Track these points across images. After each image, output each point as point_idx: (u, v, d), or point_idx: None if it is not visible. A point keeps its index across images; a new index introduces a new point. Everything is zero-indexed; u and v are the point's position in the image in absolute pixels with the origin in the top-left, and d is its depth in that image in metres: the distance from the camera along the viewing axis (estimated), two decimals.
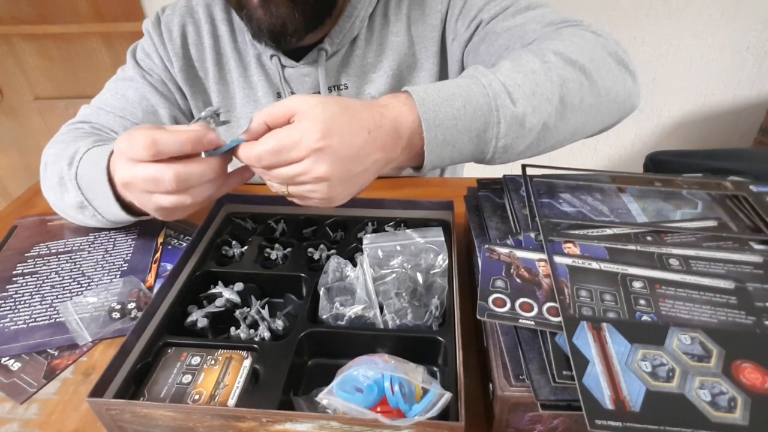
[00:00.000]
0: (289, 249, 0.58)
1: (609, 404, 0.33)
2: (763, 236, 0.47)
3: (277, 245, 0.58)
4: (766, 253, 0.45)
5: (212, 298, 0.52)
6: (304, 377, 0.46)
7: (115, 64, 1.26)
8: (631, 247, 0.46)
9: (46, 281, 0.59)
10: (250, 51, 0.74)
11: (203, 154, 0.45)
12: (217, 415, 0.38)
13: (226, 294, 0.52)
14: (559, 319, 0.39)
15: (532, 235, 0.48)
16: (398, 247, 0.52)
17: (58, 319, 0.54)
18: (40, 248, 0.65)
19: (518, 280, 0.43)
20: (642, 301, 0.40)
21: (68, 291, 0.58)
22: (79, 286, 0.59)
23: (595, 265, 0.44)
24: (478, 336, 0.48)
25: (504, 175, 0.58)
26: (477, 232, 0.53)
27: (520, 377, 0.38)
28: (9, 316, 0.55)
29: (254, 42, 0.72)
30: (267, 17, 0.61)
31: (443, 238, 0.53)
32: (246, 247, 0.58)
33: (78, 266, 0.62)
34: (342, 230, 0.63)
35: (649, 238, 0.47)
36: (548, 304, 0.41)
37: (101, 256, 0.63)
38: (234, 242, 0.59)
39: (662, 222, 0.49)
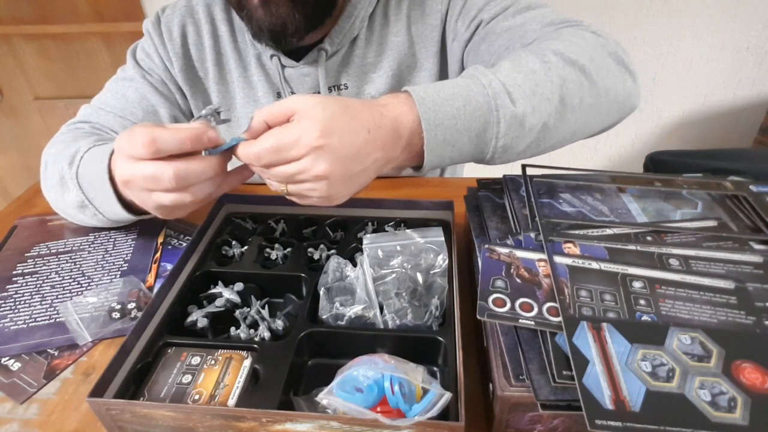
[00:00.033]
0: (289, 249, 0.58)
1: (609, 404, 0.33)
2: (763, 236, 0.47)
3: (277, 245, 0.58)
4: (766, 253, 0.45)
5: (212, 298, 0.52)
6: (304, 377, 0.46)
7: (115, 64, 1.26)
8: (631, 247, 0.46)
9: (46, 281, 0.59)
10: (250, 51, 0.74)
11: (203, 153, 0.45)
12: (217, 415, 0.38)
13: (226, 294, 0.52)
14: (559, 319, 0.39)
15: (532, 235, 0.48)
16: (398, 247, 0.52)
17: (58, 319, 0.54)
18: (40, 248, 0.65)
19: (518, 280, 0.43)
20: (642, 301, 0.40)
21: (68, 291, 0.58)
22: (79, 286, 0.59)
23: (595, 265, 0.44)
24: (478, 336, 0.48)
25: (504, 175, 0.58)
26: (477, 232, 0.53)
27: (520, 377, 0.38)
28: (9, 316, 0.55)
29: (254, 42, 0.72)
30: (267, 17, 0.61)
31: (443, 238, 0.53)
32: (246, 247, 0.58)
33: (78, 266, 0.62)
34: (342, 230, 0.63)
35: (649, 238, 0.47)
36: (548, 304, 0.41)
37: (101, 256, 0.63)
38: (234, 242, 0.59)
39: (662, 222, 0.49)
